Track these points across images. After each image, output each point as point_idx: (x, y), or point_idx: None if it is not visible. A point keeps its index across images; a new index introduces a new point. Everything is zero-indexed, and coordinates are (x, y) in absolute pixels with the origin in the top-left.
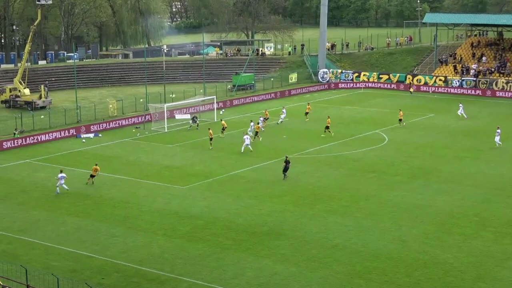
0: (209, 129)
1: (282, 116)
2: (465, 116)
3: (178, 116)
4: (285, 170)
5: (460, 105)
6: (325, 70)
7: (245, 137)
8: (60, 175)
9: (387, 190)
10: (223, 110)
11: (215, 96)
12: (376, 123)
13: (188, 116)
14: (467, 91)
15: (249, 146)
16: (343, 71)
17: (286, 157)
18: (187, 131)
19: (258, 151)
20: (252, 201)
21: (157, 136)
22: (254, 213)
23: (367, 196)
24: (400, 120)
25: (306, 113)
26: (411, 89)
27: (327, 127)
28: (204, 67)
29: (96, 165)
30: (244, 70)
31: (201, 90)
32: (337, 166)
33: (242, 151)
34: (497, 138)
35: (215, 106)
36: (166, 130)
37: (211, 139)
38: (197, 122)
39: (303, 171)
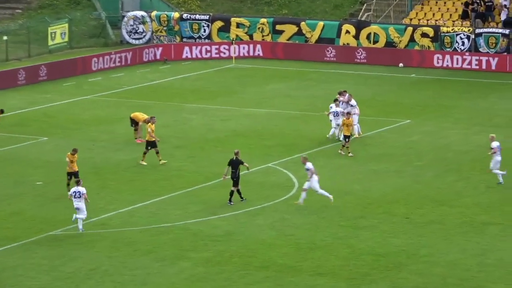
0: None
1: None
2: None
3: None
4: (236, 182)
5: None
6: (140, 13)
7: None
8: None
9: None
10: None
11: None
12: (269, 141)
13: None
14: (489, 63)
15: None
16: (184, 15)
17: (236, 152)
18: None
19: None
20: None
21: None
22: None
23: None
24: None
25: None
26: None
27: None
28: None
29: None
30: None
31: None
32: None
33: None
34: None
35: None
36: None
37: None
38: None
39: None
